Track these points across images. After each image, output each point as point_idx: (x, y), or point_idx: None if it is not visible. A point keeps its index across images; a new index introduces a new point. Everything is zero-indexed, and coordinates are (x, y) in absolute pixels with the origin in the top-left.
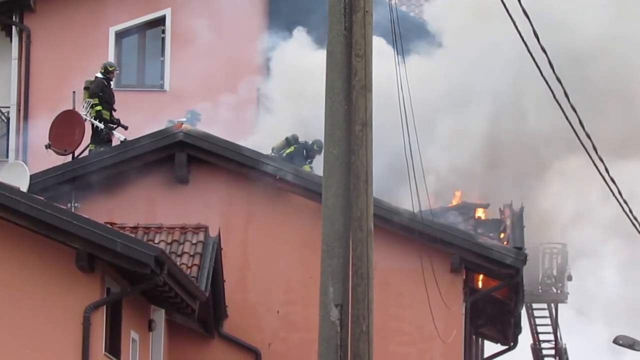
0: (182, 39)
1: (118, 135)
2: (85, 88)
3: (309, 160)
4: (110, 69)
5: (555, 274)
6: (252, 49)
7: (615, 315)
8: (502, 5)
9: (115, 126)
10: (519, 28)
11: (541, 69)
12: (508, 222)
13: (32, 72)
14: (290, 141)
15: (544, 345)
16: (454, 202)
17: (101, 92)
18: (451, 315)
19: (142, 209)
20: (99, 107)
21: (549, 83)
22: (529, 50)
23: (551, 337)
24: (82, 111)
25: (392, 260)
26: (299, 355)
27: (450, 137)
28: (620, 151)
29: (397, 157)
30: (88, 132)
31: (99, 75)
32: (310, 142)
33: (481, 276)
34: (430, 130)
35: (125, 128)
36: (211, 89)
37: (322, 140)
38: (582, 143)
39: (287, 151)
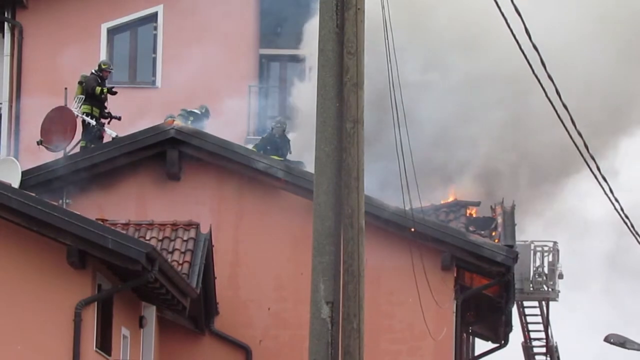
0: (174, 36)
1: (109, 132)
2: (80, 82)
3: (276, 141)
4: (104, 67)
5: (546, 271)
6: (244, 45)
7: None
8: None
9: (108, 120)
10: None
11: (534, 68)
12: (499, 220)
13: (24, 68)
14: (257, 147)
15: (534, 343)
16: (446, 200)
17: (92, 90)
18: (442, 313)
19: (133, 206)
20: (87, 108)
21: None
22: (521, 50)
23: (542, 335)
24: (74, 107)
25: (383, 257)
26: (289, 352)
27: (443, 133)
28: None
29: (389, 155)
30: (79, 129)
31: (94, 72)
32: (270, 129)
33: (472, 274)
34: (422, 128)
35: (119, 119)
36: (203, 85)
37: (279, 118)
38: (574, 142)
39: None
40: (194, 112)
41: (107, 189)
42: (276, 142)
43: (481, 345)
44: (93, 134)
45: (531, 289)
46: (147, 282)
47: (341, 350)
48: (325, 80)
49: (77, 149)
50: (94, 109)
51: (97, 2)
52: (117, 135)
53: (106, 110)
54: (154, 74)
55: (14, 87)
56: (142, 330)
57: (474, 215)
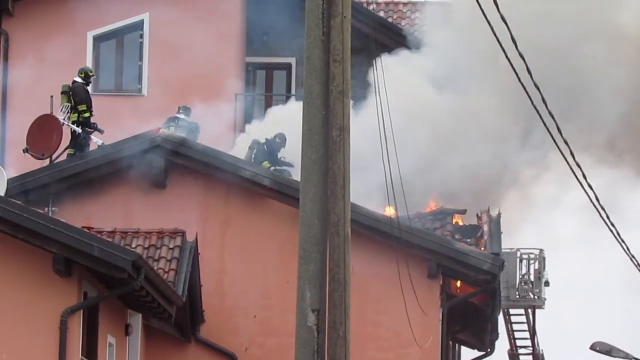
0: (160, 44)
1: (96, 140)
2: (63, 92)
3: (277, 155)
4: (91, 74)
5: (532, 279)
6: (229, 52)
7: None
8: (480, 12)
9: (92, 130)
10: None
11: (519, 75)
12: (485, 228)
13: (10, 76)
14: (252, 147)
15: (521, 350)
16: (431, 208)
17: (85, 97)
18: (428, 321)
19: (119, 214)
20: (87, 114)
21: (527, 89)
22: (507, 57)
23: (528, 342)
24: (60, 115)
25: (369, 265)
26: None
27: (427, 143)
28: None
29: (375, 164)
30: (65, 137)
31: (79, 80)
32: (272, 137)
33: (458, 282)
34: (408, 136)
35: (102, 132)
36: (189, 93)
37: (284, 134)
38: (559, 149)
39: (252, 157)
40: (181, 118)
41: (93, 197)
42: (275, 155)
43: (467, 353)
44: (79, 142)
45: (517, 296)
46: (133, 290)
47: (327, 358)
48: (311, 87)
49: (63, 157)
50: (84, 113)
51: (84, 10)
52: (103, 143)
53: (92, 122)
54: (140, 82)
55: (0, 95)
56: (128, 338)
57: (460, 223)
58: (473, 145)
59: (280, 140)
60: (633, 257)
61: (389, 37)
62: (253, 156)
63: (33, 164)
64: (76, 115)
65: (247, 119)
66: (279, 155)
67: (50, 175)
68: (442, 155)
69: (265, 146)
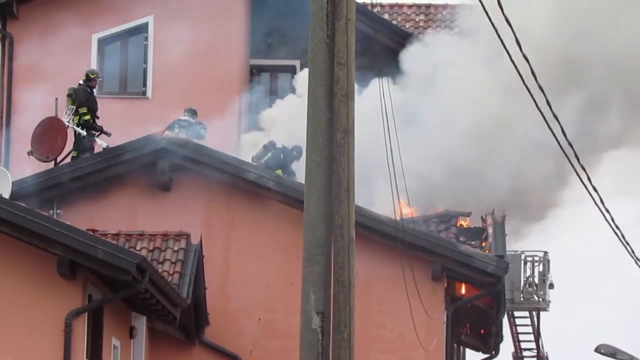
0: (164, 46)
1: (100, 142)
2: (69, 95)
3: (288, 167)
4: (92, 76)
5: (536, 281)
6: (234, 55)
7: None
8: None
9: (98, 133)
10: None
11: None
12: (490, 230)
13: (15, 78)
14: (267, 148)
15: (525, 353)
16: (436, 210)
17: (86, 100)
18: (432, 324)
19: (123, 216)
20: (87, 117)
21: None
22: (513, 62)
23: (533, 345)
24: (65, 118)
25: (373, 268)
26: None
27: (432, 146)
28: None
29: (379, 164)
30: (70, 139)
31: (82, 82)
32: (290, 148)
33: (463, 284)
34: (413, 138)
35: (108, 135)
36: (193, 95)
37: (302, 147)
38: (564, 152)
39: (265, 158)
40: (183, 119)
41: (97, 199)
42: (287, 167)
43: (472, 356)
44: (84, 145)
45: (522, 299)
46: (138, 293)
47: None
48: (315, 90)
49: (68, 160)
50: (84, 116)
51: (88, 12)
52: (107, 146)
53: (98, 125)
54: (144, 84)
55: (4, 98)
56: (132, 340)
57: (465, 226)
58: (503, 147)
59: (296, 154)
60: (638, 260)
61: (394, 39)
62: (266, 158)
63: (38, 166)
64: (77, 117)
65: (251, 121)
66: (290, 167)
67: (55, 178)
68: (470, 158)
69: (282, 154)
